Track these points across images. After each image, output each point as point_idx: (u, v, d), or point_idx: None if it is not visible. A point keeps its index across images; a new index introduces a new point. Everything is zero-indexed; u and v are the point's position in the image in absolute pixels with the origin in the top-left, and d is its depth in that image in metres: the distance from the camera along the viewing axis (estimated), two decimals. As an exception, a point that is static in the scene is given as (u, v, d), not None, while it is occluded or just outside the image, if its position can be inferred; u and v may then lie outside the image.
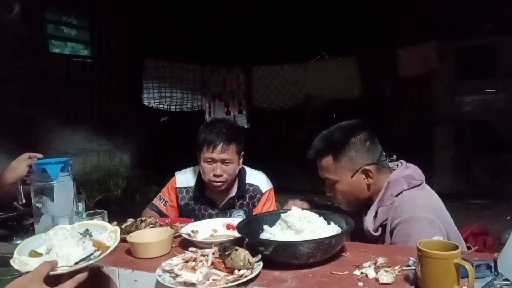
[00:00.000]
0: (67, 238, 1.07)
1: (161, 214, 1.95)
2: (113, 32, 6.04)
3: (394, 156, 1.54)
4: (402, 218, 1.36)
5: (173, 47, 6.48)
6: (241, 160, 1.92)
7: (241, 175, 1.97)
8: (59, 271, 0.98)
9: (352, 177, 1.47)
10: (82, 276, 0.99)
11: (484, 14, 6.16)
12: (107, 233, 1.16)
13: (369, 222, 1.46)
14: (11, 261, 1.01)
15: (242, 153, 1.92)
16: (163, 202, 1.98)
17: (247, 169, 2.01)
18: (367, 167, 1.47)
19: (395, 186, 1.45)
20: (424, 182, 1.50)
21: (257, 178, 1.98)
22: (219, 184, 1.86)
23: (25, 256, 1.04)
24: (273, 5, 7.03)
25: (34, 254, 1.06)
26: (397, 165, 1.55)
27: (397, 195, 1.43)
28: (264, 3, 6.99)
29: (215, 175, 1.83)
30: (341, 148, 1.47)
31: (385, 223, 1.43)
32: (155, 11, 6.45)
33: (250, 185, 1.96)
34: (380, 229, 1.45)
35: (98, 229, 1.18)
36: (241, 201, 1.95)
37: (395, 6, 6.35)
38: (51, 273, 0.96)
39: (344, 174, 1.48)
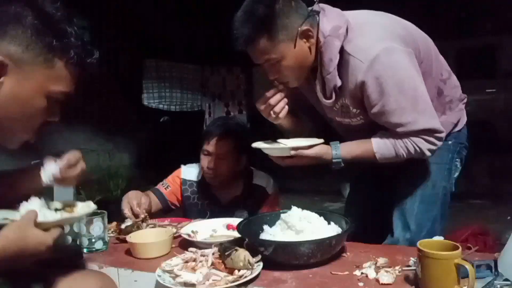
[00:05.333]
0: (41, 211, 1.03)
1: (161, 200, 1.93)
2: (113, 32, 6.03)
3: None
4: (363, 72, 1.26)
5: (173, 47, 6.48)
6: (241, 162, 1.91)
7: (248, 174, 1.97)
8: (41, 219, 0.96)
9: (295, 47, 1.30)
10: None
11: (484, 14, 6.16)
12: (78, 207, 1.12)
13: (318, 91, 1.40)
14: None
15: (244, 154, 1.91)
16: (165, 187, 1.97)
17: (254, 170, 2.01)
18: (304, 28, 1.29)
19: (328, 49, 1.31)
20: (351, 19, 1.33)
21: (264, 180, 1.98)
22: (211, 177, 1.86)
23: None
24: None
25: (8, 220, 0.98)
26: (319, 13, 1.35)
27: (337, 56, 1.30)
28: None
29: (208, 168, 1.85)
30: (272, 22, 1.27)
31: (337, 87, 1.34)
32: (155, 11, 6.45)
33: (256, 186, 1.96)
34: (333, 94, 1.36)
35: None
36: (246, 201, 1.94)
37: (393, 6, 6.35)
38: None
39: (286, 47, 1.30)
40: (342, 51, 1.31)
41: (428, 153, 1.35)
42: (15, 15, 0.91)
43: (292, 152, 1.35)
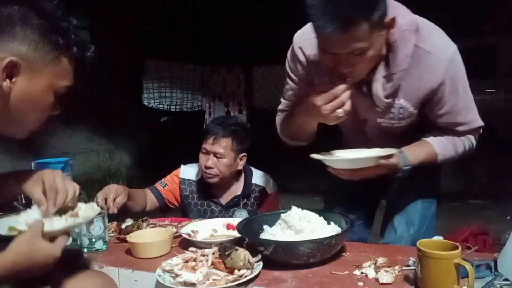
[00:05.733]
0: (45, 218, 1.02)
1: (158, 198, 1.94)
2: (113, 32, 6.04)
3: None
4: (443, 71, 1.24)
5: (173, 47, 6.48)
6: (240, 161, 1.91)
7: (247, 174, 1.98)
8: (48, 229, 0.97)
9: (383, 36, 1.19)
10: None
11: (484, 14, 6.16)
12: (81, 210, 1.11)
13: (379, 89, 1.28)
14: None
15: (243, 154, 1.91)
16: (163, 185, 1.98)
17: (253, 170, 2.02)
18: (391, 16, 1.16)
19: (406, 44, 1.23)
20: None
21: (263, 180, 1.98)
22: (209, 176, 1.86)
23: (5, 231, 1.00)
24: (274, 5, 7.03)
25: (14, 229, 1.00)
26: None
27: (411, 54, 1.24)
28: (265, 3, 6.99)
29: (206, 167, 1.85)
30: (374, 6, 1.12)
31: (401, 85, 1.28)
32: (155, 11, 6.45)
33: (256, 185, 1.96)
34: (390, 96, 1.30)
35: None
36: (245, 200, 1.95)
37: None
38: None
39: (377, 35, 1.16)
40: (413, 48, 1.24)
41: (473, 149, 1.41)
42: (22, 16, 0.93)
43: (382, 161, 1.25)
